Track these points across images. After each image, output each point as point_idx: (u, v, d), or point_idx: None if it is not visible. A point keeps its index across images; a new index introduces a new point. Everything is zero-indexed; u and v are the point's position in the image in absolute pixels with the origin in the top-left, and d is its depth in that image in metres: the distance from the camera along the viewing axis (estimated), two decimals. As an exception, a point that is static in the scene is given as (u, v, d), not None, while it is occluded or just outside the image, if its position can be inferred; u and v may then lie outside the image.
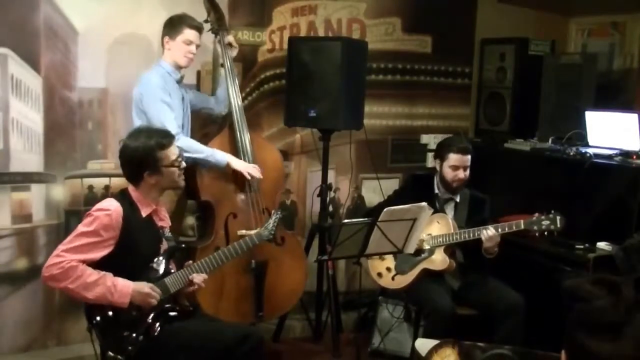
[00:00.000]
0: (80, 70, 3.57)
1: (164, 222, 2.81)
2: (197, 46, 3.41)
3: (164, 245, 2.75)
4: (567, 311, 1.33)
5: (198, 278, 2.72)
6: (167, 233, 2.79)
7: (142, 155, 2.63)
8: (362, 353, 3.74)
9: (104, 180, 3.67)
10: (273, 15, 4.06)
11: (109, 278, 2.51)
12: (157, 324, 2.61)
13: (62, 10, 3.47)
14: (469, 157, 3.54)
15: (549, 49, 4.49)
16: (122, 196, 2.68)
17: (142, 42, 3.67)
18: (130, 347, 2.54)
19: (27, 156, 3.50)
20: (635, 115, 3.64)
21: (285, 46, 3.91)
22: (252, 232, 3.19)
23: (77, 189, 3.65)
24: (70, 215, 3.65)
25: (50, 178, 3.58)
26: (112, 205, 2.58)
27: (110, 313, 2.54)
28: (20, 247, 3.55)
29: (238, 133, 3.49)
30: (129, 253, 2.59)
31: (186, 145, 3.24)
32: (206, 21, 3.55)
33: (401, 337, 3.84)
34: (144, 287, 2.57)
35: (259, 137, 3.78)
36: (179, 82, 3.44)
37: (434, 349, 2.47)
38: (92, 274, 2.48)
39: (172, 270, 2.72)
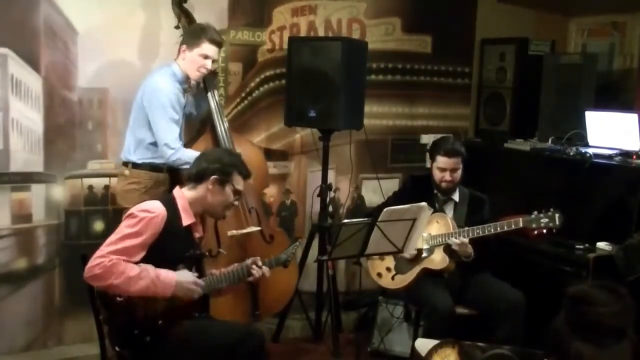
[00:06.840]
0: (80, 70, 3.57)
1: (199, 233, 2.83)
2: (214, 61, 3.36)
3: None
4: (569, 317, 1.32)
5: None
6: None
7: (226, 163, 2.74)
8: (362, 353, 3.75)
9: (104, 180, 3.67)
10: (273, 15, 4.06)
11: (151, 270, 2.52)
12: (166, 327, 2.62)
13: (62, 10, 3.47)
14: (455, 160, 3.50)
15: (549, 49, 4.48)
16: (168, 202, 2.68)
17: (142, 42, 3.66)
18: (137, 345, 2.58)
19: (27, 156, 3.50)
20: (635, 115, 3.64)
21: (285, 46, 3.92)
22: (244, 231, 3.38)
23: (77, 189, 3.65)
24: (70, 215, 3.65)
25: (50, 178, 3.57)
26: (157, 209, 2.59)
27: (125, 312, 2.54)
28: (20, 247, 3.55)
29: (220, 134, 3.47)
30: (157, 256, 2.58)
31: (187, 157, 3.22)
32: (177, 27, 3.52)
33: (401, 337, 3.84)
34: (189, 281, 2.60)
35: (240, 136, 3.77)
36: (185, 90, 3.40)
37: (434, 349, 2.48)
38: (134, 268, 2.49)
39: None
